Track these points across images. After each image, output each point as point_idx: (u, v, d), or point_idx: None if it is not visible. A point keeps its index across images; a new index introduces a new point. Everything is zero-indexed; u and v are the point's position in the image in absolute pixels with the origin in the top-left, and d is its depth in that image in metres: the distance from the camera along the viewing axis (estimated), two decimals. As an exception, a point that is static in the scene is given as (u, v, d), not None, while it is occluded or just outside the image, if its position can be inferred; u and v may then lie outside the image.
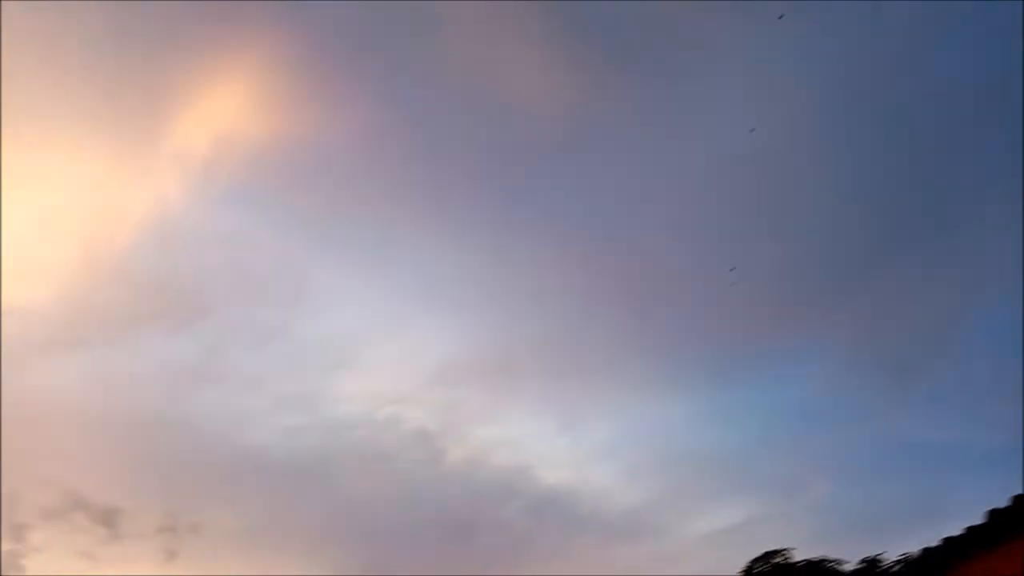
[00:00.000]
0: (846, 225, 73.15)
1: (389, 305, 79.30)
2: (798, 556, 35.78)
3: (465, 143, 76.10)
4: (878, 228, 74.11)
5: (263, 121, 67.27)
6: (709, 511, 67.41)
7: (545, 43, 69.98)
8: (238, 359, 73.49)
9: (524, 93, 69.60)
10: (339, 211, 74.90)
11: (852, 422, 69.66)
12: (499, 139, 75.29)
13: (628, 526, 69.24)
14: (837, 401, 72.28)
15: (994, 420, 58.01)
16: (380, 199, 75.56)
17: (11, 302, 61.66)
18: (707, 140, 70.78)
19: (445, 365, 76.76)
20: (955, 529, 34.01)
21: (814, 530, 58.77)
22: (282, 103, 68.69)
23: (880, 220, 73.78)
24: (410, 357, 78.82)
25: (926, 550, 34.35)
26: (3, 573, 48.35)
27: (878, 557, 35.53)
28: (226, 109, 65.59)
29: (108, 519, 55.33)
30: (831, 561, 35.94)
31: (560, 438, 77.81)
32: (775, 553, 35.45)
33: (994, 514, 32.46)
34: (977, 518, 33.12)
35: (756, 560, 35.52)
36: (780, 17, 52.18)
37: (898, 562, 35.25)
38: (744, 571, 35.10)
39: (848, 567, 36.03)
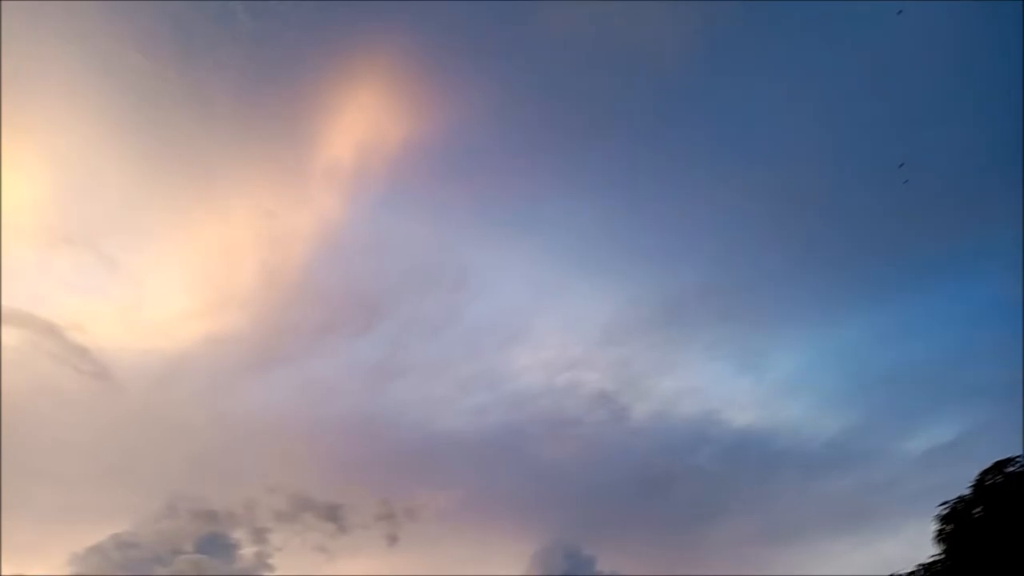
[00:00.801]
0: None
1: (549, 276, 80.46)
2: (1032, 462, 32.96)
3: (594, 101, 75.32)
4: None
5: (398, 124, 69.83)
6: (919, 429, 63.53)
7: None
8: (418, 351, 77.48)
9: (644, 40, 67.82)
10: (485, 195, 76.77)
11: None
12: (626, 91, 73.89)
13: (830, 458, 66.59)
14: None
15: None
16: (521, 176, 76.51)
17: (213, 332, 68.38)
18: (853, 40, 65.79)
19: (614, 325, 77.00)
20: None
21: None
22: (413, 102, 70.86)
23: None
24: (578, 322, 79.81)
25: None
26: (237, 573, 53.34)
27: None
28: (364, 120, 68.67)
29: (333, 515, 59.43)
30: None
31: (742, 379, 76.05)
32: (1007, 462, 32.59)
33: None
34: None
35: (986, 472, 32.81)
36: None
37: None
38: (975, 485, 32.49)
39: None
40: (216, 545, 53.06)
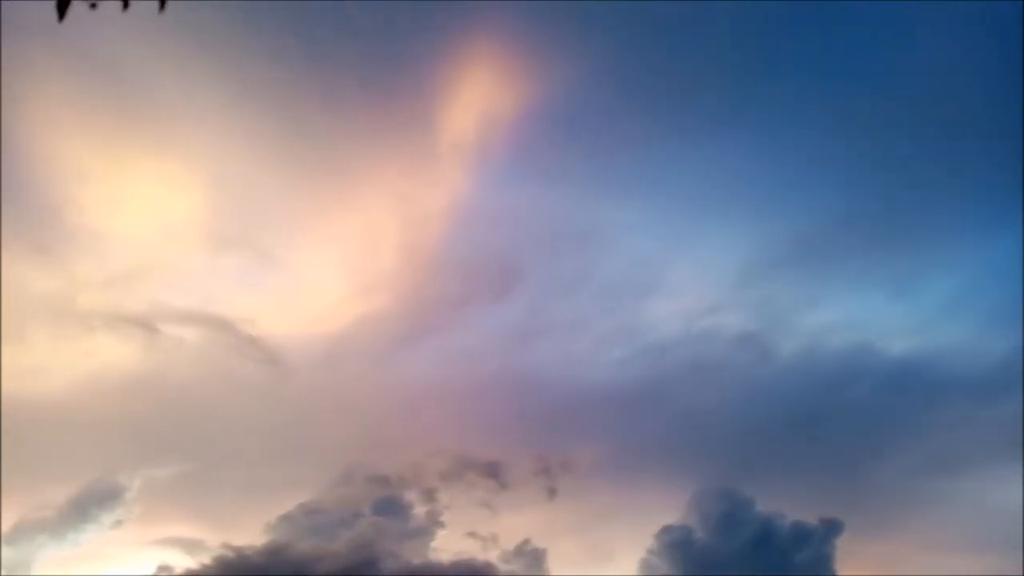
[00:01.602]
0: None
1: (677, 224, 79.48)
2: None
3: (702, 41, 73.06)
4: None
5: (513, 94, 70.97)
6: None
7: None
8: (555, 311, 79.27)
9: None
10: (604, 153, 76.47)
11: None
12: (737, 25, 70.98)
13: (997, 382, 62.29)
14: None
15: None
16: (638, 129, 75.48)
17: (365, 313, 73.22)
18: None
19: (751, 264, 75.21)
20: None
21: None
22: (524, 71, 71.60)
23: None
24: (713, 266, 78.46)
25: None
26: (425, 525, 57.34)
27: None
28: (480, 96, 70.33)
29: (493, 472, 62.40)
30: None
31: (895, 307, 72.41)
32: None
33: None
34: None
35: None
36: None
37: None
38: None
39: None
40: (391, 507, 57.38)
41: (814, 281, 73.99)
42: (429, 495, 58.99)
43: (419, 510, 57.48)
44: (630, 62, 72.60)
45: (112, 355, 62.59)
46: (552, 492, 62.53)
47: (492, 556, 56.98)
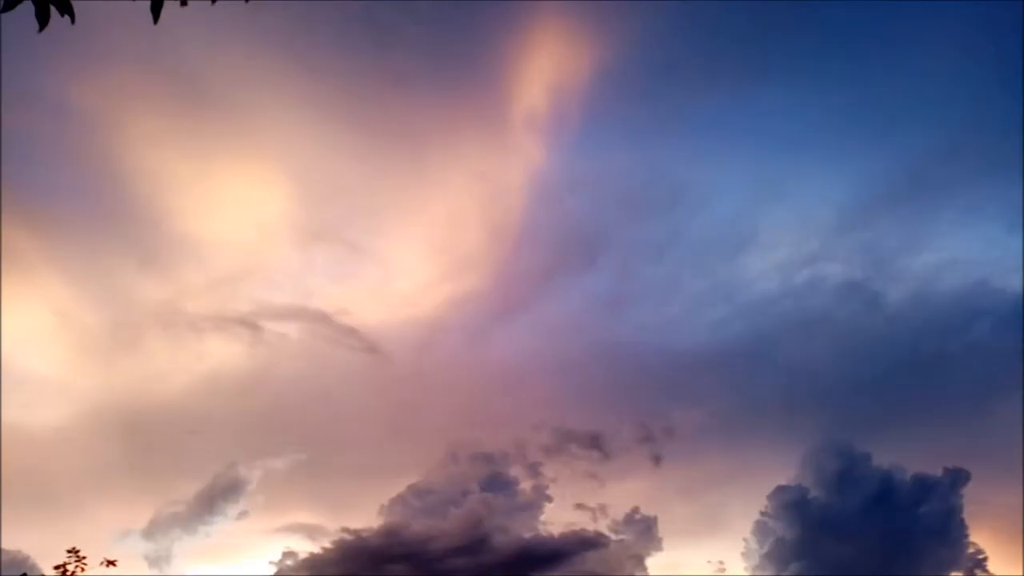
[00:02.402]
0: None
1: (768, 174, 76.25)
2: None
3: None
4: None
5: (582, 58, 69.37)
6: None
7: None
8: (646, 275, 77.86)
9: None
10: (682, 108, 73.99)
11: None
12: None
13: None
14: None
15: None
16: (715, 81, 72.39)
17: (455, 294, 73.92)
18: None
19: (851, 208, 71.63)
20: None
21: None
22: (592, 33, 69.99)
23: None
24: (809, 214, 75.15)
25: None
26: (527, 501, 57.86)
27: None
28: (549, 63, 69.03)
29: (595, 443, 62.29)
30: None
31: (1013, 239, 67.13)
32: None
33: None
34: None
35: None
36: None
37: None
38: None
39: None
40: (497, 483, 58.16)
41: (921, 220, 69.87)
42: (534, 469, 59.48)
43: (525, 485, 58.02)
44: (702, 7, 69.69)
45: (222, 355, 65.72)
46: (657, 459, 61.93)
47: (602, 526, 57.10)
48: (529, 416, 67.90)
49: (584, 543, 54.69)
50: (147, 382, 64.87)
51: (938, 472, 53.53)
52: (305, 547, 54.55)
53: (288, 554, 53.43)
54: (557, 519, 57.74)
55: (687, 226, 76.34)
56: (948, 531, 52.74)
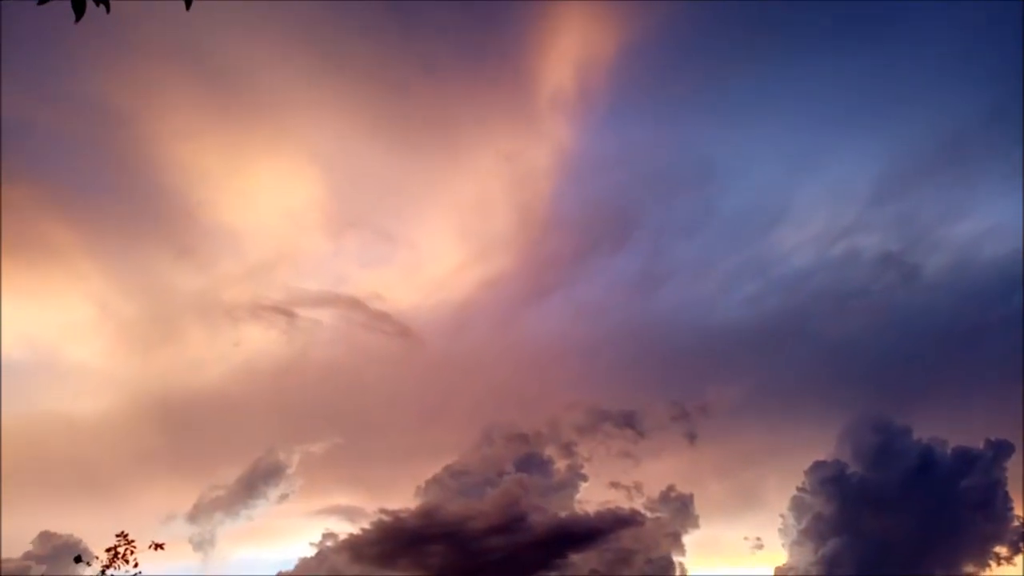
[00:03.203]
0: None
1: (801, 145, 75.27)
2: None
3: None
4: None
5: (608, 35, 68.70)
6: None
7: None
8: (678, 253, 77.36)
9: None
10: (711, 83, 72.65)
11: None
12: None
13: None
14: None
15: None
16: (745, 54, 71.47)
17: (486, 277, 74.14)
18: None
19: (887, 178, 70.45)
20: None
21: None
22: (618, 10, 69.34)
23: None
24: (844, 186, 73.99)
25: None
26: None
27: None
28: (575, 42, 68.56)
29: (629, 421, 62.20)
30: None
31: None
32: None
33: None
34: None
35: None
36: None
37: None
38: None
39: None
40: (532, 463, 58.47)
41: (960, 187, 68.34)
42: (568, 449, 59.67)
43: (560, 464, 58.29)
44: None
45: (258, 342, 66.76)
46: (692, 437, 61.73)
47: (637, 504, 57.21)
48: (562, 397, 68.10)
49: (620, 521, 54.89)
50: (186, 370, 66.24)
51: (980, 445, 52.77)
52: (345, 528, 55.54)
53: (328, 535, 54.47)
54: (592, 498, 58.00)
55: (719, 202, 75.62)
56: (992, 504, 51.97)
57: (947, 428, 54.70)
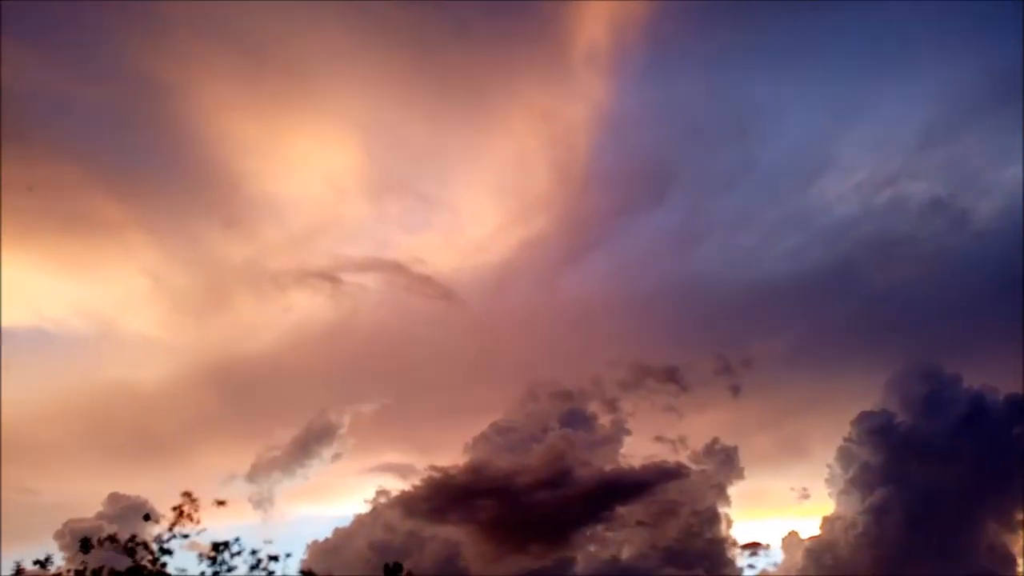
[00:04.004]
0: None
1: (844, 91, 73.16)
2: None
3: None
4: None
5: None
6: None
7: None
8: (717, 208, 76.42)
9: None
10: (749, 31, 70.44)
11: None
12: None
13: None
14: None
15: None
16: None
17: (525, 237, 74.39)
18: None
19: (936, 122, 68.21)
20: None
21: None
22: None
23: None
24: (890, 131, 71.96)
25: None
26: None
27: None
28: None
29: (672, 376, 62.34)
30: None
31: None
32: None
33: None
34: None
35: None
36: None
37: None
38: None
39: None
40: (576, 419, 59.21)
41: (1009, 131, 65.33)
42: (611, 405, 60.31)
43: (604, 420, 58.99)
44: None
45: (305, 308, 68.41)
46: (736, 390, 61.82)
47: (682, 457, 57.75)
48: (605, 353, 68.49)
49: (665, 474, 55.55)
50: (239, 337, 68.37)
51: (1033, 391, 51.70)
52: (396, 485, 57.26)
53: (381, 492, 56.23)
54: (637, 452, 58.66)
55: (759, 153, 74.30)
56: (1045, 451, 51.17)
57: (998, 376, 53.59)
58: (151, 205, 68.98)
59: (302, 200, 71.72)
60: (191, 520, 16.44)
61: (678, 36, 71.82)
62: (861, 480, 52.47)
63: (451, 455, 61.49)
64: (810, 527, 56.90)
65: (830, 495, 54.02)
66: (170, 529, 16.31)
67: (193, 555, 16.43)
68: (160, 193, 68.80)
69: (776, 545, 55.49)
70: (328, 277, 66.50)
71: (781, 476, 64.67)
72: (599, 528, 54.31)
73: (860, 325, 66.51)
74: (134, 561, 15.86)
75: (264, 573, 16.72)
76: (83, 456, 59.90)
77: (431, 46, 69.62)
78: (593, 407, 59.85)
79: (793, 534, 54.75)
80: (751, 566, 56.82)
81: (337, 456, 59.08)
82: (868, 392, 56.16)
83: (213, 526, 16.35)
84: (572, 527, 53.36)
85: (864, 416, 53.65)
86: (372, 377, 68.47)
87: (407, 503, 53.68)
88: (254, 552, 16.77)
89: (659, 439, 59.37)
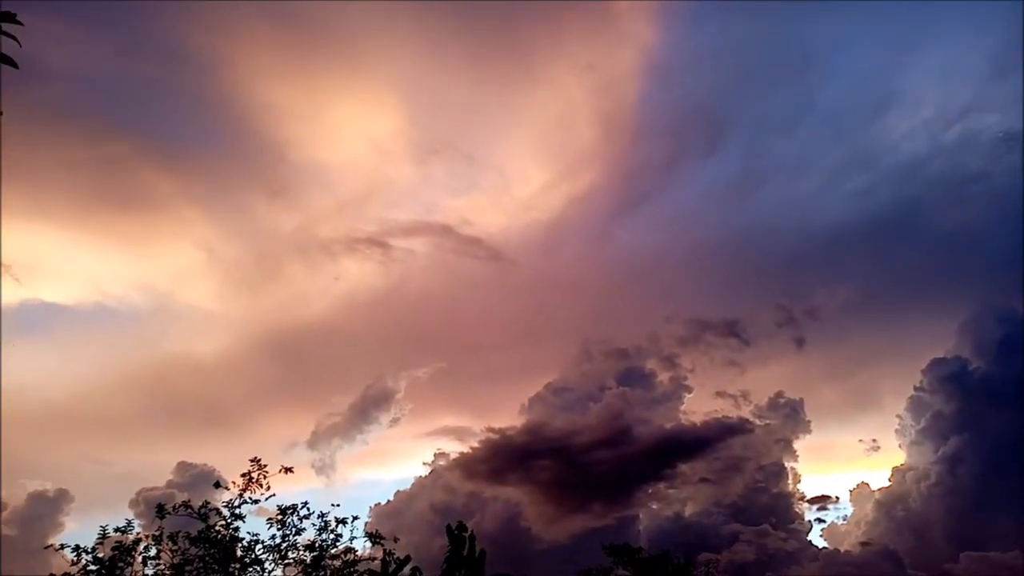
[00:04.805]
0: None
1: (908, 23, 69.82)
2: None
3: None
4: None
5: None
6: None
7: None
8: (776, 152, 73.98)
9: None
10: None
11: None
12: None
13: None
14: None
15: None
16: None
17: (574, 192, 73.11)
18: None
19: (1006, 51, 64.81)
20: None
21: None
22: None
23: None
24: (958, 63, 68.71)
25: None
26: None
27: None
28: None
29: (732, 330, 61.27)
30: None
31: None
32: None
33: None
34: None
35: None
36: None
37: None
38: None
39: None
40: (634, 377, 58.52)
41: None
42: (670, 361, 59.41)
43: (662, 377, 58.20)
44: None
45: (356, 275, 68.74)
46: (800, 342, 60.34)
47: (745, 412, 56.75)
48: (660, 309, 67.53)
49: (728, 430, 54.62)
50: (292, 307, 69.09)
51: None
52: (455, 448, 57.69)
53: (440, 455, 56.76)
54: (698, 408, 58.02)
55: (819, 92, 71.52)
56: None
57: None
58: (200, 178, 69.75)
59: (347, 166, 71.68)
60: (260, 486, 16.37)
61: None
62: (934, 430, 50.74)
63: (508, 417, 61.74)
64: (880, 479, 55.69)
65: (900, 446, 52.63)
66: (240, 495, 16.24)
67: (261, 520, 16.43)
68: (208, 166, 69.48)
69: (845, 498, 54.55)
70: (377, 243, 66.54)
71: (849, 428, 63.42)
72: (661, 486, 53.92)
73: (930, 269, 64.14)
74: (208, 526, 15.91)
75: (332, 535, 16.68)
76: (151, 427, 61.64)
77: (467, 5, 68.25)
78: (651, 364, 59.22)
79: (863, 485, 53.55)
80: (820, 520, 55.92)
81: (395, 421, 59.70)
82: (940, 338, 54.33)
83: (279, 492, 16.33)
84: (633, 485, 53.03)
85: (936, 363, 51.78)
86: (425, 342, 68.73)
87: (466, 465, 53.99)
88: (322, 515, 16.71)
89: (721, 394, 58.57)
